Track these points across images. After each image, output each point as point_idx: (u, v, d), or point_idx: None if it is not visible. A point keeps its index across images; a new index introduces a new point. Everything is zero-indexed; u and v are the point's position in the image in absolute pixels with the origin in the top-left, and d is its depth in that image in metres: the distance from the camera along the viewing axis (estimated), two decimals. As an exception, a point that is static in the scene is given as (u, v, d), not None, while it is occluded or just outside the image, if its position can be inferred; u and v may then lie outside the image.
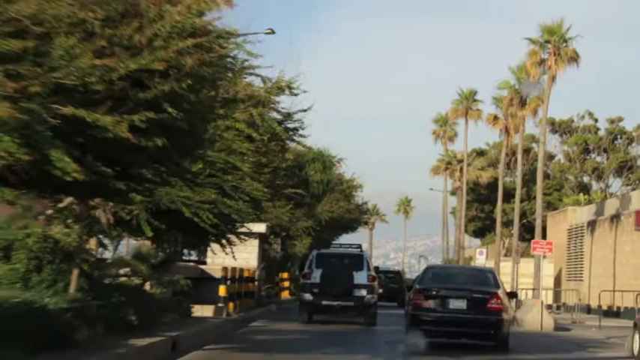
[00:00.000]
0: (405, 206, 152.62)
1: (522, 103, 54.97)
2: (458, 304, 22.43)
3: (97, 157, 12.23)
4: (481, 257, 60.00)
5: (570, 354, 24.89)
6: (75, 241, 17.94)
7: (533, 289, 51.19)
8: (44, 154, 11.49)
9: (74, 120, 11.53)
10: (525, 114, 56.22)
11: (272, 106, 26.31)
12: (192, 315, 24.63)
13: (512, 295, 26.79)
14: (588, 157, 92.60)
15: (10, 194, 15.72)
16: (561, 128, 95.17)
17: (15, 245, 16.12)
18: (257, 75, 24.65)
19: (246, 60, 21.92)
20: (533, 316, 34.86)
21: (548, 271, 76.28)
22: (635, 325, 22.29)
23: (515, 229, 60.75)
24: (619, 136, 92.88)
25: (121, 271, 20.52)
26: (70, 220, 19.61)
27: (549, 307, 64.32)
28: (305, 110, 27.29)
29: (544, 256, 50.61)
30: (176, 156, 13.56)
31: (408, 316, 23.10)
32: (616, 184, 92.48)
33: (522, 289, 54.82)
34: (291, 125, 27.19)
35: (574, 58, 48.67)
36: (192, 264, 33.94)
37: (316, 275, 32.18)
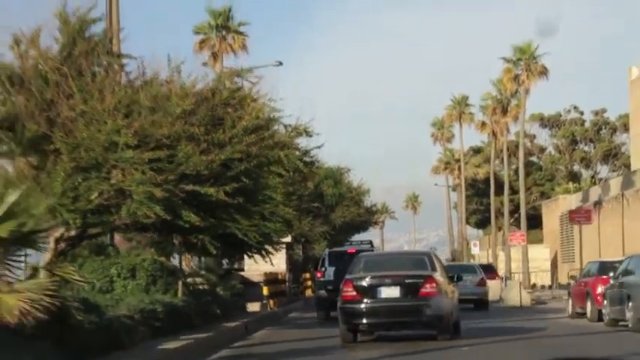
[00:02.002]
0: (413, 202, 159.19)
1: (504, 111, 63.05)
2: (390, 292, 20.54)
3: (205, 211, 20.42)
4: (475, 248, 67.86)
5: (518, 320, 29.38)
6: (166, 262, 26.09)
7: (522, 273, 59.03)
8: (177, 213, 19.70)
9: (193, 192, 19.73)
10: (507, 120, 64.25)
11: (293, 147, 34.39)
12: (247, 310, 32.80)
13: (458, 278, 23.98)
14: (576, 148, 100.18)
15: (132, 235, 23.94)
16: (550, 122, 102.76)
17: (137, 267, 24.26)
18: (282, 123, 32.78)
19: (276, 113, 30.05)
20: (514, 295, 42.83)
21: (545, 255, 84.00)
22: (569, 293, 30.61)
23: (506, 220, 68.50)
24: (603, 127, 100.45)
25: (197, 280, 28.58)
26: (147, 246, 27.77)
27: (545, 287, 72.31)
28: (319, 147, 35.36)
29: (541, 245, 58.16)
30: (247, 205, 21.75)
31: (339, 311, 21.25)
32: (604, 170, 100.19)
33: (514, 272, 62.79)
34: (308, 160, 35.26)
35: (544, 72, 56.74)
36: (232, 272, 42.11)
37: (330, 273, 33.44)
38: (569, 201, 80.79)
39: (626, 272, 23.40)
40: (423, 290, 20.40)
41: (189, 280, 27.92)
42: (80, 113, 19.37)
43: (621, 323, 23.24)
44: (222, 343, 20.30)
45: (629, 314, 22.34)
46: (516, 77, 57.19)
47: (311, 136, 34.74)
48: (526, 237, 63.53)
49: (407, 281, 20.67)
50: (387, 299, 20.57)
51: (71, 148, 19.50)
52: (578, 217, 56.99)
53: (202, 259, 33.16)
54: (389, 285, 20.70)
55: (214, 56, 52.09)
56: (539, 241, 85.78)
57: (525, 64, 56.29)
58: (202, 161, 19.68)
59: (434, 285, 20.48)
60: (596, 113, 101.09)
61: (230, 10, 52.36)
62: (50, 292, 11.68)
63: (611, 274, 25.33)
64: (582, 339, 20.99)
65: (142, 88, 20.46)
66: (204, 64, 51.70)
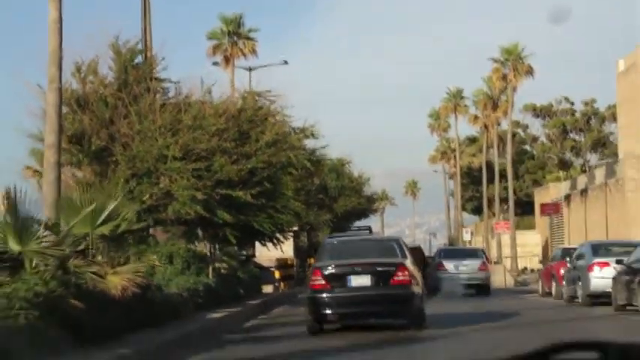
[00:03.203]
0: (412, 188, 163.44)
1: (494, 106, 67.93)
2: (360, 280, 19.73)
3: (234, 209, 25.26)
4: (467, 235, 72.72)
5: (496, 299, 32.60)
6: (197, 250, 30.86)
7: (511, 257, 63.82)
8: (213, 212, 24.55)
9: (226, 195, 24.57)
10: (498, 115, 69.06)
11: (301, 148, 39.21)
12: (262, 291, 37.64)
13: (425, 266, 23.77)
14: (567, 137, 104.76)
15: (173, 229, 28.72)
16: (542, 112, 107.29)
17: (174, 254, 29.03)
18: (291, 127, 37.63)
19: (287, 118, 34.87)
20: (499, 277, 47.75)
21: (536, 240, 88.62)
22: (539, 275, 35.59)
23: (497, 209, 73.20)
24: (593, 117, 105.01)
25: (222, 265, 33.35)
26: (177, 235, 32.59)
27: (534, 270, 76.93)
28: (324, 147, 40.20)
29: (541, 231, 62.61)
30: (268, 204, 26.61)
31: (307, 301, 20.22)
32: (593, 158, 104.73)
33: (506, 257, 67.65)
34: (314, 159, 40.11)
35: (530, 72, 61.51)
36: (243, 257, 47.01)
37: None
38: (559, 188, 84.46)
39: (579, 257, 28.20)
40: (395, 278, 19.65)
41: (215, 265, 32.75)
42: (136, 132, 24.20)
43: (575, 300, 28.00)
44: (249, 315, 25.10)
45: (579, 292, 27.14)
46: (504, 76, 62.06)
47: (317, 138, 39.72)
48: (513, 224, 68.18)
49: (378, 269, 19.87)
50: (357, 288, 19.67)
51: (128, 159, 24.37)
52: (547, 209, 61.67)
53: (217, 246, 37.92)
54: (359, 273, 19.79)
55: (226, 59, 56.72)
56: (533, 226, 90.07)
57: (512, 64, 61.13)
58: (233, 170, 24.55)
59: (406, 273, 19.67)
60: (586, 104, 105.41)
61: (241, 18, 57.12)
62: (140, 274, 16.45)
63: (567, 258, 30.06)
64: (541, 312, 25.62)
65: (184, 109, 25.31)
66: (215, 63, 56.53)
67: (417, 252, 55.86)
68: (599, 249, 27.73)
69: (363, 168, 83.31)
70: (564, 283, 29.22)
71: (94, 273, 14.21)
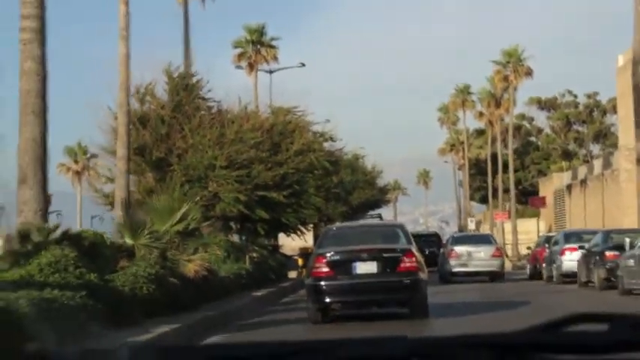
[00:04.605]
0: (424, 178, 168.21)
1: (497, 105, 73.48)
2: (366, 267, 18.88)
3: (269, 208, 30.81)
4: (471, 224, 78.08)
5: (491, 284, 35.61)
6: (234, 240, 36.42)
7: (512, 244, 69.07)
8: (252, 210, 30.10)
9: (263, 196, 30.10)
10: (501, 112, 74.55)
11: (322, 150, 44.72)
12: (288, 277, 43.21)
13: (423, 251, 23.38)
14: (571, 129, 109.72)
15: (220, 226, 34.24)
16: (547, 105, 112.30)
17: (212, 245, 34.56)
18: (311, 131, 43.17)
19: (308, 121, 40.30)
20: (499, 262, 53.03)
21: (541, 227, 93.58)
22: (528, 259, 41.12)
23: (500, 199, 78.33)
24: (595, 109, 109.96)
25: (254, 254, 38.87)
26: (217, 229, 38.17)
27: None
28: (341, 149, 45.71)
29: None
30: (295, 202, 32.16)
31: (308, 288, 19.35)
32: (596, 149, 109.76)
33: (507, 244, 72.95)
34: (332, 159, 45.58)
35: (529, 73, 66.96)
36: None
37: None
38: (562, 178, 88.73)
39: (555, 243, 33.75)
40: (403, 265, 18.84)
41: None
42: (190, 145, 29.74)
43: (553, 280, 33.47)
44: (282, 294, 30.64)
45: (554, 272, 32.67)
46: (506, 77, 67.60)
47: (335, 141, 45.24)
48: (514, 214, 73.29)
49: (385, 255, 19.03)
50: (363, 275, 18.79)
51: (183, 168, 29.90)
52: (535, 202, 66.76)
53: (245, 237, 43.36)
54: (365, 260, 18.92)
55: (250, 66, 62.19)
56: (538, 214, 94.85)
57: (513, 66, 66.64)
58: (268, 176, 30.07)
59: (413, 260, 18.89)
60: (589, 96, 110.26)
61: (264, 27, 62.65)
62: (207, 261, 22.00)
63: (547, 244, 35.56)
64: (523, 288, 31.01)
65: (227, 125, 30.81)
66: (239, 67, 62.12)
67: (434, 238, 55.60)
68: (571, 237, 33.32)
69: (376, 159, 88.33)
70: (544, 265, 34.73)
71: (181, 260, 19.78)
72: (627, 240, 25.48)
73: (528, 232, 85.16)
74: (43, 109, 19.30)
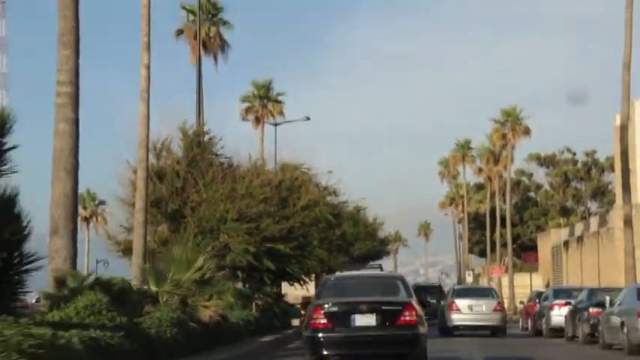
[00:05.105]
0: (425, 229, 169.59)
1: (495, 161, 75.68)
2: (365, 320, 18.61)
3: (276, 259, 32.79)
4: (469, 277, 79.91)
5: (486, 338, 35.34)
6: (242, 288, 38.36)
7: (508, 298, 70.70)
8: (260, 261, 32.08)
9: (270, 248, 32.09)
10: (499, 169, 76.72)
11: (326, 204, 46.75)
12: (292, 324, 45.05)
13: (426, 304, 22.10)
14: (569, 186, 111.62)
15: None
16: (546, 161, 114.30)
17: (225, 292, 36.47)
18: (315, 185, 45.21)
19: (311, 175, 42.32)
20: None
21: (538, 282, 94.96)
22: (520, 313, 42.93)
23: (497, 254, 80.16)
24: (593, 167, 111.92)
25: (259, 302, 40.72)
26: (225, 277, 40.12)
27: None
28: (344, 202, 47.76)
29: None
30: (300, 253, 34.16)
31: (306, 340, 19.16)
32: (594, 206, 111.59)
33: (504, 297, 74.46)
34: (335, 212, 47.59)
35: (527, 132, 69.22)
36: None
37: None
38: (559, 234, 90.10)
39: (544, 298, 35.71)
40: (402, 319, 18.61)
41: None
42: (203, 199, 31.76)
43: (543, 333, 35.31)
44: (288, 340, 32.47)
45: (544, 326, 34.61)
46: (504, 135, 69.95)
47: (338, 195, 47.33)
48: (511, 268, 74.95)
49: (384, 308, 18.81)
50: (362, 328, 18.57)
51: (196, 220, 31.89)
52: (528, 258, 68.48)
53: (247, 285, 45.22)
54: (364, 312, 18.66)
55: (257, 120, 64.52)
56: (536, 269, 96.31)
57: (511, 125, 69.02)
58: (276, 229, 32.06)
59: (413, 313, 18.65)
60: (587, 154, 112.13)
61: (270, 83, 65.04)
62: (220, 307, 23.95)
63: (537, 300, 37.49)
64: (512, 341, 32.75)
65: (238, 180, 32.84)
66: (245, 119, 64.41)
67: (436, 290, 55.68)
68: (560, 293, 35.28)
69: (377, 211, 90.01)
70: (535, 319, 36.63)
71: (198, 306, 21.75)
72: (607, 298, 27.40)
73: (525, 285, 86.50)
74: (75, 167, 21.20)
